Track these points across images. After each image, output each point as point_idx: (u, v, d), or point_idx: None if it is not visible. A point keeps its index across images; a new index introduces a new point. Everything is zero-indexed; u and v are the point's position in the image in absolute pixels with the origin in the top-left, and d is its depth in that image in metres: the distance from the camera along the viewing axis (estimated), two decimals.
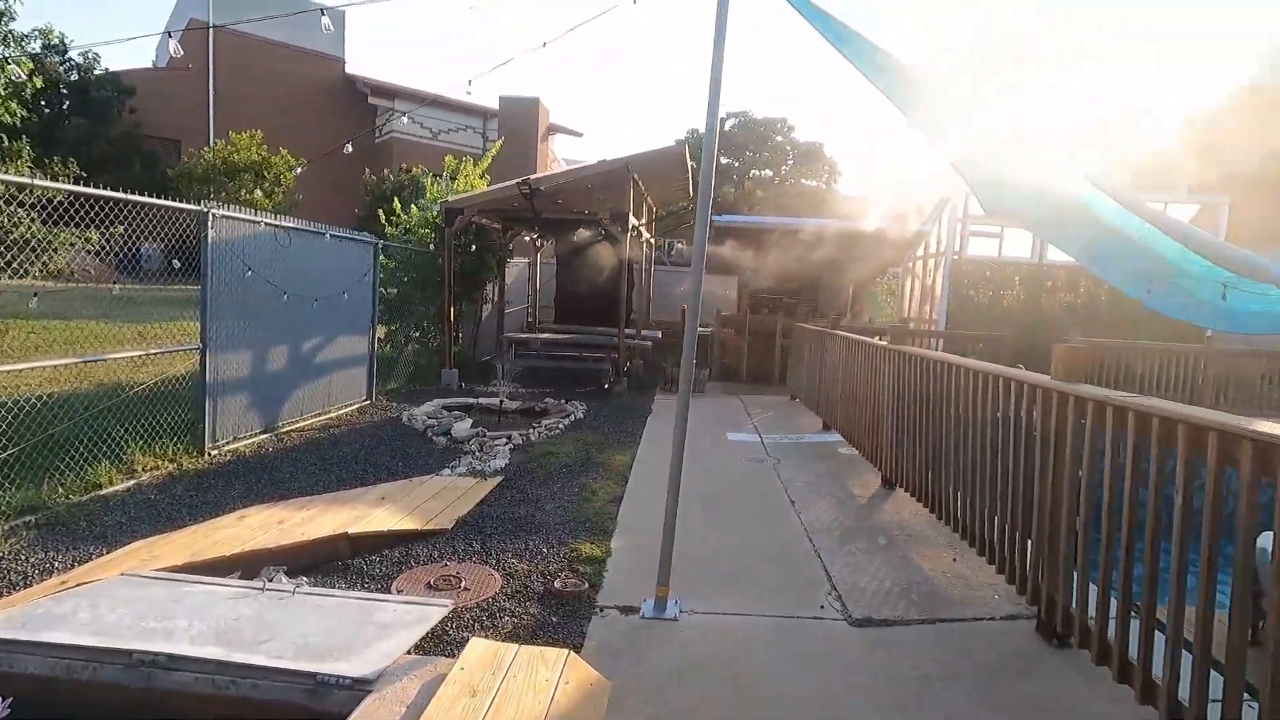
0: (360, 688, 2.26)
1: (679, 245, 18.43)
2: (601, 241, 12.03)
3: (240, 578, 3.34)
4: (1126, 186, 3.61)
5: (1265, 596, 1.98)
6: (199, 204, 5.55)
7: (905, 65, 3.23)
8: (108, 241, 5.32)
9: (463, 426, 6.88)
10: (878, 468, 5.60)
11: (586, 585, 3.52)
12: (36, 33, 19.02)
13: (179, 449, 5.47)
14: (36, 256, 7.24)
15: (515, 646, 2.57)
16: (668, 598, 3.29)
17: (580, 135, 29.71)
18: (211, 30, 21.67)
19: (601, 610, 3.30)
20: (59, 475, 4.61)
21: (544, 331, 12.46)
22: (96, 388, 6.27)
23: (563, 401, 8.72)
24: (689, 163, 11.37)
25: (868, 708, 2.60)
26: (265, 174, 18.86)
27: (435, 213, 10.89)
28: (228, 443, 5.91)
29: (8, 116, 12.19)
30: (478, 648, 2.55)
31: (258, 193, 17.77)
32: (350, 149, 9.61)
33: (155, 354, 5.68)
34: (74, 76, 21.02)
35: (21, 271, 5.13)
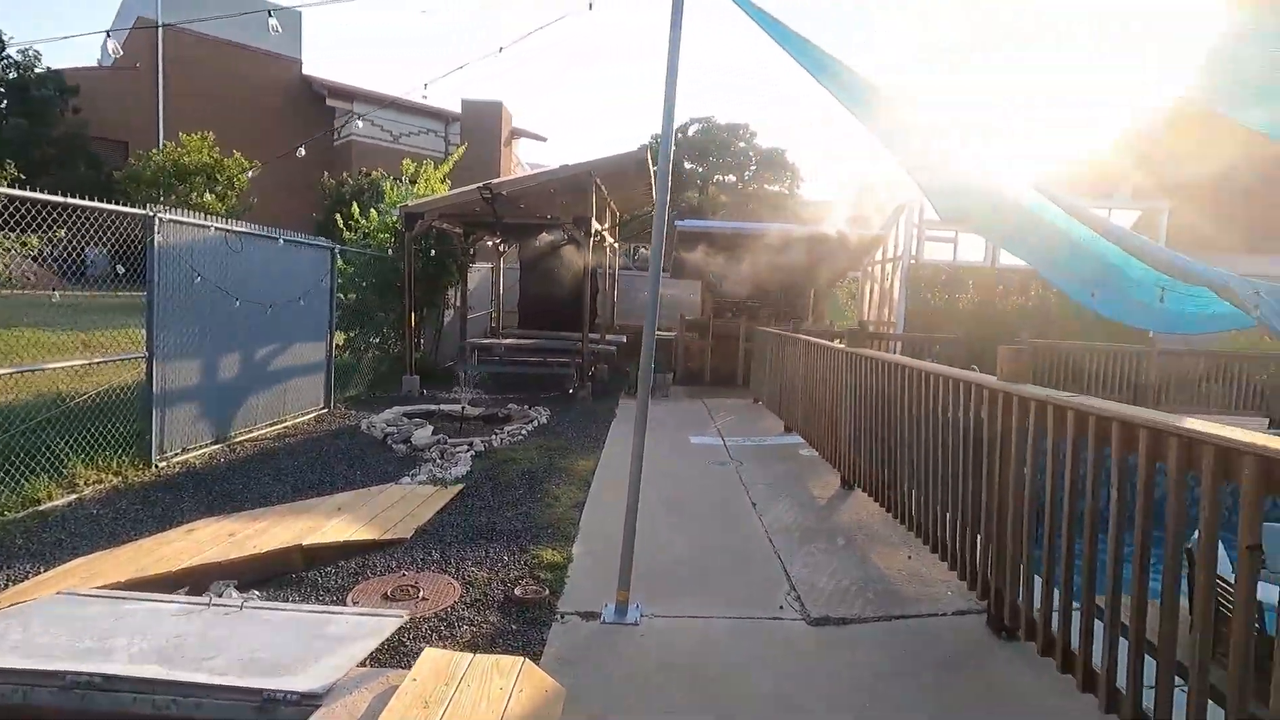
0: (309, 703, 2.21)
1: (643, 250, 18.49)
2: (565, 246, 12.01)
3: (188, 594, 3.24)
4: (1072, 189, 3.74)
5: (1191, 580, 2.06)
6: (146, 208, 5.37)
7: (850, 68, 3.29)
8: (49, 246, 5.12)
9: (423, 434, 6.78)
10: (837, 469, 5.68)
11: (547, 592, 3.50)
12: None
13: (124, 461, 5.28)
14: None
15: (470, 655, 2.54)
16: (629, 602, 3.30)
17: (545, 140, 29.54)
18: (161, 29, 21.03)
19: (562, 616, 3.28)
20: None
21: (508, 337, 12.36)
22: (36, 398, 6.00)
23: (526, 407, 8.67)
24: (651, 167, 11.42)
25: (824, 705, 2.64)
26: (218, 177, 18.29)
27: (395, 217, 10.73)
28: (176, 454, 5.72)
29: None
30: (431, 658, 2.51)
31: (209, 196, 17.26)
32: (304, 152, 9.42)
33: (99, 363, 5.46)
34: (12, 75, 20.16)
35: None
